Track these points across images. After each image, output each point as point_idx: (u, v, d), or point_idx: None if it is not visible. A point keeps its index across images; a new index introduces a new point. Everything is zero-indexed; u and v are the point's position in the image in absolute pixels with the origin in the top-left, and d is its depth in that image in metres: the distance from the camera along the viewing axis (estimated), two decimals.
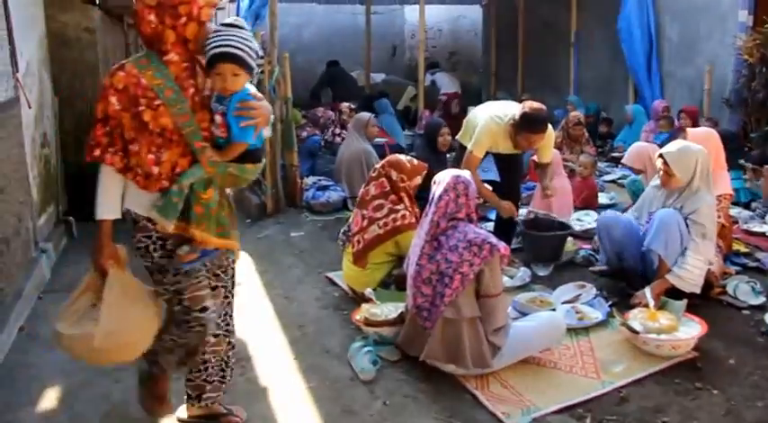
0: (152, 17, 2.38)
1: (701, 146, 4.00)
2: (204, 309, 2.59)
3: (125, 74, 2.39)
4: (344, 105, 8.24)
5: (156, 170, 2.41)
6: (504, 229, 4.91)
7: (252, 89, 2.58)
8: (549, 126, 4.75)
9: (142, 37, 2.48)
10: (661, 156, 3.94)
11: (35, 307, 4.32)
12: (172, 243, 2.51)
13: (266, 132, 2.70)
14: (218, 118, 2.50)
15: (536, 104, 4.58)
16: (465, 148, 4.88)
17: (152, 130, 2.39)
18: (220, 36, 2.45)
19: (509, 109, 4.70)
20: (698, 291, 3.83)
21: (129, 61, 2.46)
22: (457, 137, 5.18)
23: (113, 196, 2.48)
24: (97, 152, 2.41)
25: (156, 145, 2.41)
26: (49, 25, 6.03)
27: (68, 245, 5.66)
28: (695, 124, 7.55)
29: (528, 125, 4.50)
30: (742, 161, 6.24)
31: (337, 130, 7.40)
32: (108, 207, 2.48)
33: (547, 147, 4.92)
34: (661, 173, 3.98)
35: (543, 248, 4.79)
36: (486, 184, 5.02)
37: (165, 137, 2.41)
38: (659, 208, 4.04)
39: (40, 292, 4.54)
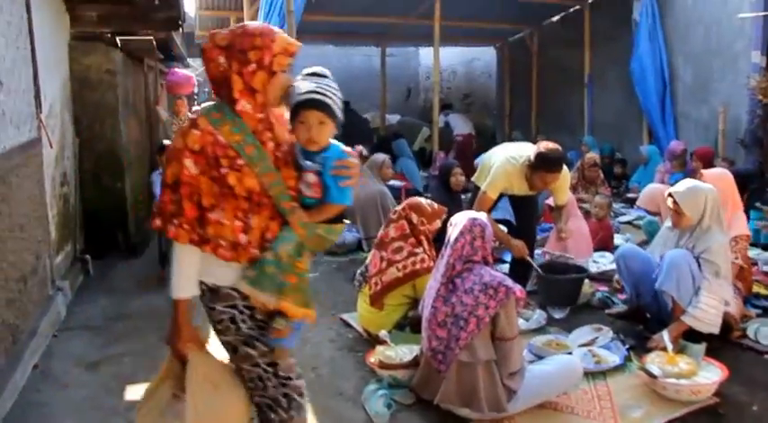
0: (221, 59, 2.14)
1: (710, 185, 4.00)
2: (299, 376, 2.42)
3: (200, 133, 2.11)
4: (357, 149, 8.29)
5: (244, 239, 2.14)
6: (520, 271, 4.88)
7: (341, 144, 2.35)
8: (565, 167, 4.76)
9: (210, 80, 2.24)
10: (671, 195, 3.95)
11: (50, 345, 4.34)
12: (262, 314, 2.25)
13: None
14: (311, 177, 2.24)
15: (551, 144, 4.60)
16: (480, 189, 4.90)
17: (237, 195, 2.12)
18: (304, 84, 2.25)
19: (524, 150, 4.72)
20: (716, 331, 3.78)
21: (201, 115, 2.17)
22: (472, 178, 5.20)
23: (190, 271, 2.19)
24: (159, 221, 2.15)
25: (243, 210, 2.14)
26: (73, 67, 6.18)
27: (84, 283, 5.70)
28: (709, 165, 7.53)
29: (543, 165, 4.51)
30: (758, 204, 6.20)
31: None
32: (184, 284, 2.20)
33: (562, 189, 4.92)
34: (672, 213, 3.98)
35: (560, 292, 4.75)
36: (500, 225, 5.01)
37: (253, 200, 2.14)
38: (672, 249, 4.02)
39: (54, 331, 4.56)
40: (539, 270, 4.77)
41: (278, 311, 2.21)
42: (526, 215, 5.07)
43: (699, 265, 3.82)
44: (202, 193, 2.10)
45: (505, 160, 4.69)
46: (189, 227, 2.11)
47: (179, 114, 8.14)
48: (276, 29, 2.21)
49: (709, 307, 3.73)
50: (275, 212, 2.19)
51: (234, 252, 2.13)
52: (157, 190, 5.71)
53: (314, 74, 2.33)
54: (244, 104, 2.16)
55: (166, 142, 6.37)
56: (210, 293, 2.24)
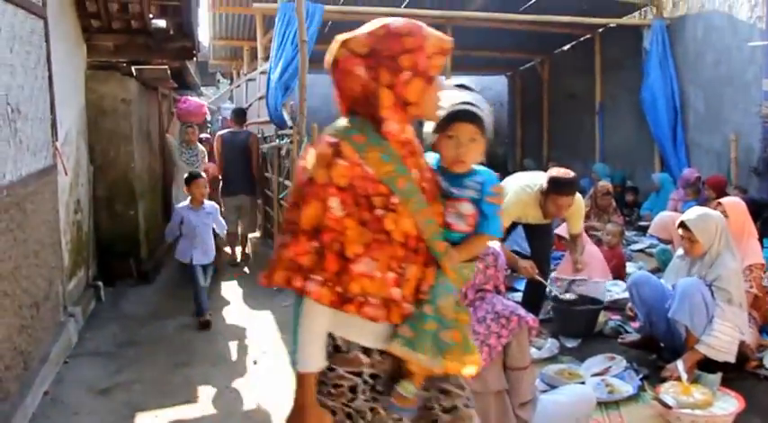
0: (361, 71, 1.74)
1: (718, 212, 4.01)
2: None
3: (348, 164, 1.70)
4: None
5: (398, 293, 1.75)
6: (533, 299, 4.86)
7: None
8: (578, 195, 4.76)
9: (342, 99, 1.83)
10: (682, 224, 3.94)
11: (60, 371, 4.34)
12: (384, 381, 1.88)
13: None
14: (467, 207, 1.92)
15: (563, 169, 4.61)
16: None
17: (393, 241, 1.73)
18: (454, 94, 2.00)
19: (538, 179, 4.72)
20: (732, 360, 3.73)
21: (341, 138, 1.75)
22: None
23: (320, 339, 1.78)
24: (298, 281, 1.68)
25: (398, 259, 1.75)
26: (89, 96, 6.28)
27: (96, 309, 5.72)
28: (722, 194, 7.50)
29: (555, 188, 4.50)
30: None
31: None
32: (315, 354, 1.77)
33: (576, 216, 4.91)
34: (684, 241, 3.97)
35: (574, 322, 4.72)
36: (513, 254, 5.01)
37: (409, 246, 1.77)
38: (684, 277, 4.00)
39: (66, 357, 4.56)
40: (555, 290, 4.73)
41: (404, 374, 1.87)
42: (541, 245, 5.04)
43: (712, 293, 3.79)
44: (347, 240, 1.68)
45: (520, 189, 4.69)
46: (332, 284, 1.69)
47: (190, 143, 8.07)
48: (421, 23, 1.83)
49: (724, 335, 3.69)
50: (429, 257, 1.82)
51: (385, 310, 1.74)
52: (175, 224, 5.75)
53: (463, 86, 2.07)
54: (392, 124, 1.77)
55: (194, 170, 6.49)
56: (335, 352, 1.84)
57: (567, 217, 4.88)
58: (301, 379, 1.78)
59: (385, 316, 1.74)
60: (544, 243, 5.11)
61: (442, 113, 1.94)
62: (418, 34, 1.76)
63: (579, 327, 4.71)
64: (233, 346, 4.92)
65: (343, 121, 1.81)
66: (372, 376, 1.86)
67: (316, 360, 1.78)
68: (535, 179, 4.75)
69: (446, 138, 1.94)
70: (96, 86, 6.36)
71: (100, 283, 5.99)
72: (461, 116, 1.94)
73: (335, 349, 1.84)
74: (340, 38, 1.80)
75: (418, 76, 1.74)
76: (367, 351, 1.84)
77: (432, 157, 2.02)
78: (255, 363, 4.52)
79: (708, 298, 3.77)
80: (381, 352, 1.85)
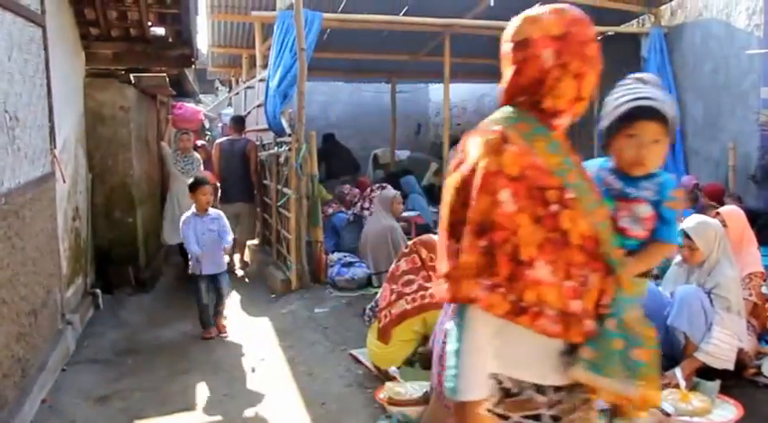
0: (549, 54, 1.56)
1: (716, 220, 4.02)
2: None
3: (519, 150, 1.52)
4: (347, 188, 8.28)
5: (578, 306, 1.52)
6: None
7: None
8: None
9: (511, 85, 1.64)
10: (681, 232, 3.94)
11: (58, 379, 4.33)
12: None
13: None
14: (644, 209, 1.73)
15: None
16: None
17: (571, 243, 1.51)
18: (634, 89, 1.83)
19: None
20: (731, 367, 3.72)
21: (502, 124, 1.59)
22: None
23: (486, 360, 1.54)
24: (468, 288, 1.48)
25: (577, 265, 1.52)
26: (87, 103, 6.29)
27: (94, 317, 5.71)
28: (718, 202, 7.52)
29: None
30: None
31: (366, 204, 7.46)
32: (478, 379, 1.53)
33: None
34: (683, 249, 3.97)
35: None
36: None
37: (587, 250, 1.54)
38: (682, 285, 4.00)
39: (64, 364, 4.55)
40: None
41: (615, 411, 1.67)
42: None
43: (710, 301, 3.79)
44: (521, 240, 1.46)
45: None
46: (505, 290, 1.47)
47: (185, 151, 7.76)
48: None
49: (722, 342, 3.68)
50: (608, 266, 1.58)
51: (562, 325, 1.49)
52: (190, 235, 5.31)
53: (642, 79, 1.91)
54: (565, 118, 1.64)
55: (199, 175, 6.08)
56: (505, 396, 1.60)
57: None
58: (463, 410, 1.51)
59: (562, 332, 1.50)
60: None
61: (620, 109, 1.80)
62: (590, 24, 1.62)
63: None
64: (231, 353, 4.92)
65: (503, 112, 1.65)
66: (554, 419, 1.63)
67: (481, 385, 1.52)
68: None
69: (625, 137, 1.76)
70: (95, 94, 6.37)
71: (98, 291, 5.98)
72: (645, 113, 1.74)
73: (505, 393, 1.60)
74: (528, 15, 1.61)
75: (593, 69, 1.62)
76: (541, 389, 1.60)
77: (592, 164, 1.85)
78: (254, 370, 4.51)
79: (707, 305, 3.77)
80: (557, 388, 1.62)
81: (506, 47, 1.65)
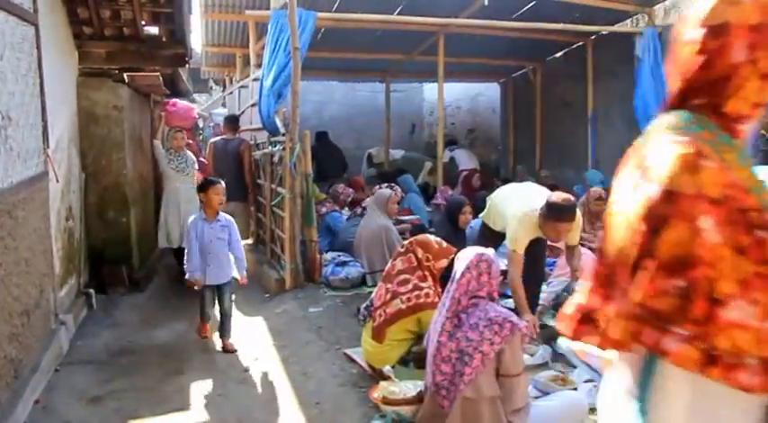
0: (741, 48, 1.33)
1: None
2: None
3: (717, 168, 1.29)
4: (341, 187, 8.18)
5: None
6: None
7: None
8: (578, 212, 4.77)
9: (697, 79, 1.42)
10: None
11: (51, 379, 4.31)
12: None
13: None
14: None
15: (563, 195, 4.61)
16: (489, 227, 5.06)
17: None
18: None
19: (537, 200, 4.71)
20: None
21: (686, 133, 1.37)
22: (480, 216, 5.26)
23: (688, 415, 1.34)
24: (651, 335, 1.29)
25: None
26: (81, 103, 6.27)
27: (87, 317, 5.69)
28: None
29: (556, 215, 4.51)
30: None
31: (358, 210, 7.45)
32: None
33: (575, 231, 4.92)
34: None
35: None
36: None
37: None
38: None
39: (57, 365, 4.54)
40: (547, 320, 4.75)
41: None
42: (536, 254, 5.04)
43: None
44: (720, 275, 1.24)
45: (524, 216, 4.69)
46: (699, 339, 1.25)
47: (178, 149, 7.32)
48: None
49: None
50: None
51: (765, 377, 1.23)
52: (193, 240, 5.02)
53: None
54: (747, 126, 1.40)
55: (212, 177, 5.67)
56: None
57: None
58: None
59: (765, 385, 1.23)
60: (539, 252, 5.10)
61: None
62: None
63: None
64: (226, 353, 4.91)
65: (679, 117, 1.43)
66: None
67: None
68: (533, 202, 4.73)
69: None
70: (88, 93, 6.35)
71: (91, 291, 5.96)
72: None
73: None
74: None
75: None
76: None
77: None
78: (248, 370, 4.51)
79: None
80: None
81: (693, 33, 1.40)
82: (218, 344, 5.08)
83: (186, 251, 5.09)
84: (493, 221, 5.06)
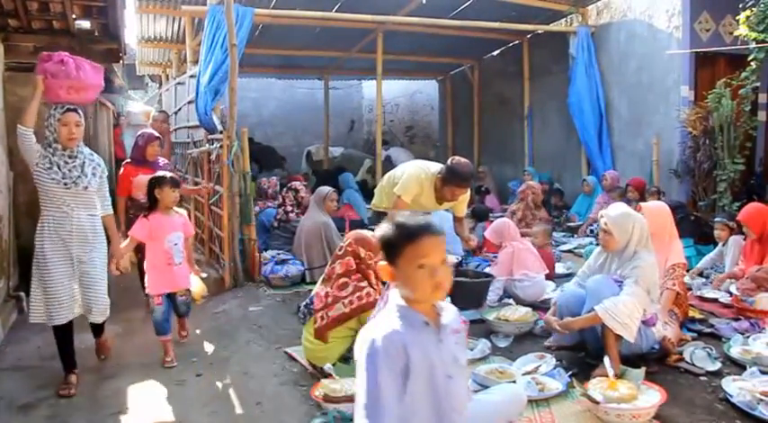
0: None
1: (640, 215, 4.18)
2: None
3: None
4: (298, 184, 8.02)
5: None
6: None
7: None
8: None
9: None
10: (602, 216, 4.12)
11: None
12: None
13: None
14: None
15: (463, 160, 4.90)
16: (381, 214, 5.29)
17: None
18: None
19: (432, 165, 4.98)
20: (629, 337, 3.79)
21: None
22: (373, 203, 5.46)
23: None
24: None
25: None
26: (8, 99, 6.04)
27: (18, 321, 5.49)
28: (642, 195, 7.84)
29: (454, 178, 4.79)
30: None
31: (288, 208, 7.34)
32: None
33: (463, 202, 5.26)
34: (601, 233, 4.14)
35: (463, 295, 4.79)
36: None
37: None
38: (597, 273, 4.22)
39: None
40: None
41: None
42: None
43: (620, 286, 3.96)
44: None
45: (417, 168, 4.95)
46: None
47: (70, 143, 4.14)
48: None
49: (624, 305, 3.79)
50: None
51: None
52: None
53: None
54: None
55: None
56: None
57: (454, 206, 5.17)
58: None
59: None
60: None
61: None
62: None
63: (470, 298, 4.93)
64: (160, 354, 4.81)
65: None
66: None
67: None
68: (430, 164, 5.07)
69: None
70: (15, 89, 6.12)
71: (22, 294, 5.75)
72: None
73: None
74: None
75: None
76: None
77: None
78: (187, 371, 4.43)
79: (615, 290, 3.92)
80: None
81: None
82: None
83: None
84: (385, 204, 5.32)
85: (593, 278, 4.09)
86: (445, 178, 4.81)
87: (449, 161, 4.88)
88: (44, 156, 4.13)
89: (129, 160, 6.13)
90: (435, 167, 4.93)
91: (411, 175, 4.94)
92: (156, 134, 6.15)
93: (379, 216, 5.33)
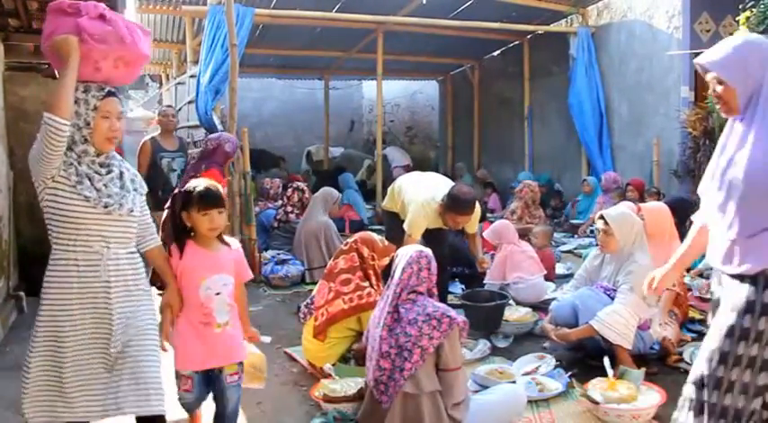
0: None
1: (638, 217, 4.19)
2: None
3: None
4: (301, 184, 7.99)
5: None
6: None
7: None
8: (477, 204, 5.01)
9: None
10: (602, 217, 4.10)
11: None
12: None
13: None
14: None
15: (464, 188, 4.95)
16: (390, 214, 5.25)
17: None
18: None
19: (438, 190, 4.91)
20: (626, 345, 3.81)
21: None
22: (383, 204, 5.41)
23: None
24: None
25: None
26: (8, 99, 6.04)
27: (18, 321, 5.49)
28: (642, 195, 7.85)
29: (456, 207, 4.78)
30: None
31: (289, 208, 7.33)
32: None
33: (473, 222, 5.18)
34: (600, 234, 4.15)
35: (480, 319, 4.81)
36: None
37: None
38: (596, 278, 4.23)
39: None
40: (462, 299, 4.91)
41: None
42: (435, 244, 5.16)
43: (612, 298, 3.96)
44: None
45: (425, 202, 4.94)
46: None
47: (105, 144, 2.71)
48: None
49: (619, 315, 3.80)
50: None
51: None
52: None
53: None
54: None
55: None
56: None
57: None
58: None
59: None
60: (438, 244, 5.18)
61: None
62: None
63: (485, 322, 4.84)
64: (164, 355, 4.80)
65: None
66: None
67: None
68: (435, 191, 4.93)
69: None
70: (16, 89, 6.13)
71: (22, 294, 5.76)
72: None
73: None
74: None
75: None
76: None
77: None
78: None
79: (608, 300, 3.93)
80: None
81: None
82: None
83: None
84: (399, 208, 5.24)
85: (581, 294, 4.12)
86: (446, 206, 4.81)
87: (450, 189, 4.85)
88: (68, 164, 2.62)
89: (213, 164, 5.41)
90: (441, 193, 4.86)
91: (416, 213, 4.89)
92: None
93: (389, 216, 5.34)
